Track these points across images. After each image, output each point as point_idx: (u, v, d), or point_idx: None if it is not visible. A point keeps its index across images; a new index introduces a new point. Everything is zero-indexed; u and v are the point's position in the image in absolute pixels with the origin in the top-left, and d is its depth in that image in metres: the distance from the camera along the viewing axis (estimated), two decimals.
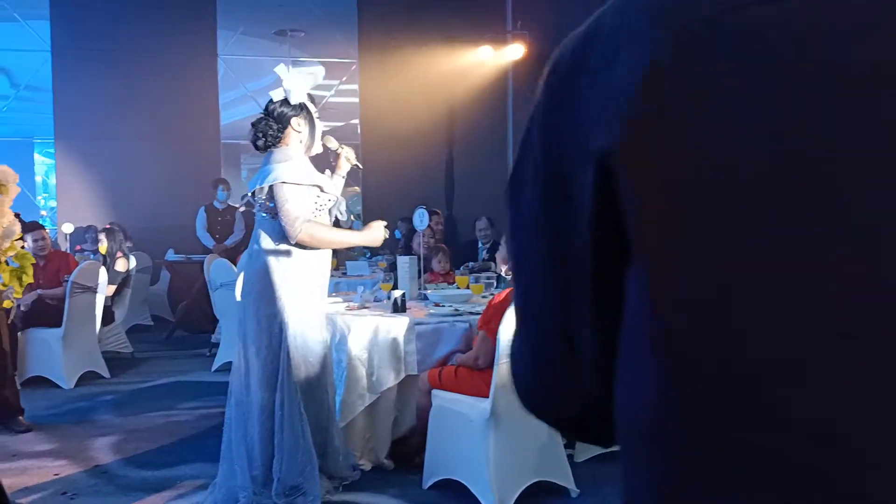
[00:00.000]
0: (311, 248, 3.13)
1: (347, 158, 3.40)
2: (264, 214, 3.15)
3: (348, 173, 3.44)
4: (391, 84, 9.13)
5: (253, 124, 3.20)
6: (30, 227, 5.61)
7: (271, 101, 3.20)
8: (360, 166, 3.55)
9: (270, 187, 3.08)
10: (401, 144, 8.89)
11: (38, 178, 15.79)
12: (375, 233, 3.38)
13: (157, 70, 9.06)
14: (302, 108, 3.20)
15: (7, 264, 2.83)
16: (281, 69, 3.20)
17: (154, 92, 9.06)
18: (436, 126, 9.06)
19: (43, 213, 12.31)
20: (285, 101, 3.18)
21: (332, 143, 3.39)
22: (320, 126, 3.28)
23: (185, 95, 9.19)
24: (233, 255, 7.36)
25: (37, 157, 15.57)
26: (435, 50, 9.01)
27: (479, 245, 6.91)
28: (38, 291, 5.58)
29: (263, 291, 3.10)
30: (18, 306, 5.27)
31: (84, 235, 8.58)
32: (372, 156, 8.87)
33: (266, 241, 3.12)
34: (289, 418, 3.05)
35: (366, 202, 9.53)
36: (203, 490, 3.36)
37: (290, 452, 3.04)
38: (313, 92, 3.30)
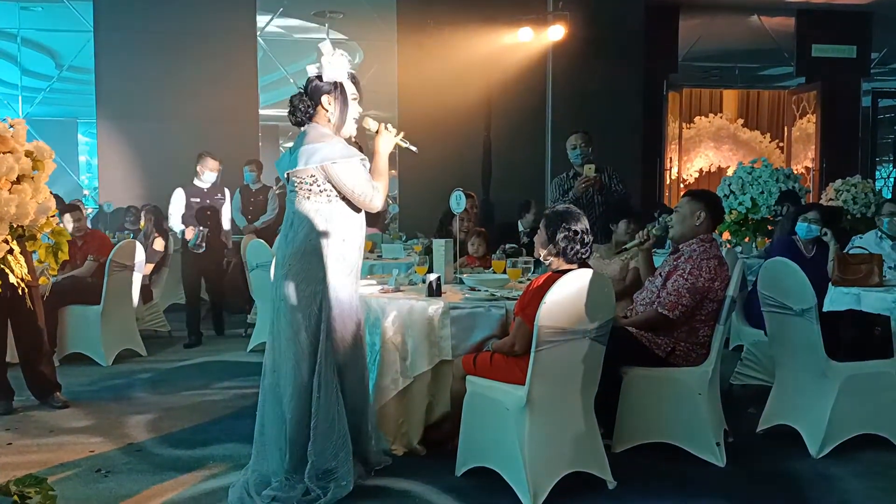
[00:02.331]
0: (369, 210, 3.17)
1: (399, 143, 3.31)
2: (305, 195, 3.08)
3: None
4: (429, 65, 9.03)
5: (291, 98, 3.19)
6: (68, 207, 5.66)
7: (309, 77, 3.17)
8: (414, 149, 3.41)
9: (318, 170, 3.04)
10: (438, 126, 8.79)
11: (83, 158, 16.06)
12: (385, 140, 3.27)
13: (197, 51, 9.11)
14: (336, 86, 3.14)
15: (42, 241, 2.82)
16: (325, 45, 3.16)
17: (194, 73, 9.11)
18: (474, 108, 8.94)
19: (85, 192, 12.49)
20: (319, 77, 3.14)
21: (371, 125, 3.30)
22: (354, 108, 3.20)
23: (224, 77, 9.22)
24: (266, 235, 7.37)
25: (80, 137, 15.83)
26: (474, 31, 8.87)
27: (521, 228, 6.81)
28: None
29: (302, 272, 3.05)
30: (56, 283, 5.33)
31: (124, 216, 8.69)
32: (408, 137, 8.78)
33: (305, 222, 3.07)
34: (325, 400, 3.01)
35: (402, 184, 9.47)
36: (236, 471, 3.35)
37: (324, 435, 3.00)
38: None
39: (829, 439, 3.55)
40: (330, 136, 3.12)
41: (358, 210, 3.16)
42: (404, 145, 3.36)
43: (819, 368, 3.57)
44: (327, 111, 3.15)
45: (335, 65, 3.13)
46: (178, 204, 6.58)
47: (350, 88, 3.18)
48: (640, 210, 5.20)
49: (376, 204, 3.13)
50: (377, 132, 3.28)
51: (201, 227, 6.35)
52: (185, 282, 6.61)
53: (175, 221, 6.58)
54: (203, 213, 6.48)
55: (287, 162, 3.14)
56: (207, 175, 6.67)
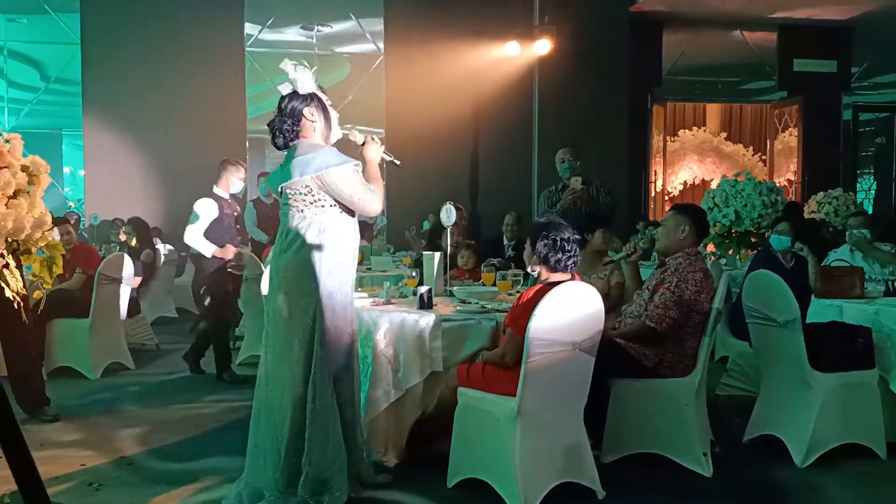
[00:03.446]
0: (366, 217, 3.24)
1: (384, 156, 3.36)
2: (298, 207, 3.10)
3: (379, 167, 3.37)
4: (417, 78, 9.10)
5: (269, 125, 3.19)
6: (55, 221, 5.64)
7: (282, 97, 3.19)
8: (398, 163, 3.44)
9: (313, 180, 3.06)
10: (426, 139, 8.86)
11: (66, 170, 16.01)
12: (374, 150, 3.31)
13: (185, 63, 9.12)
14: (312, 97, 3.18)
15: (37, 255, 2.84)
16: (286, 64, 3.19)
17: (182, 85, 9.12)
18: (461, 121, 9.02)
19: (71, 204, 12.45)
20: (294, 94, 3.17)
21: (358, 137, 3.33)
22: (335, 114, 3.26)
23: (212, 89, 9.25)
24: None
25: (65, 149, 15.78)
26: (461, 45, 8.96)
27: (505, 242, 6.87)
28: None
29: (296, 284, 3.07)
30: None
31: (110, 228, 8.66)
32: (396, 150, 8.79)
33: (299, 235, 3.08)
34: (320, 412, 3.03)
35: (389, 196, 9.51)
36: (228, 483, 3.35)
37: (319, 446, 3.02)
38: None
39: (814, 449, 3.61)
40: (321, 146, 3.15)
41: (352, 214, 3.19)
42: (389, 158, 3.41)
43: (803, 379, 3.63)
44: (312, 122, 3.19)
45: (304, 78, 3.17)
46: (209, 216, 5.47)
47: (324, 96, 3.23)
48: (615, 220, 5.24)
49: (375, 207, 3.17)
50: (364, 143, 3.33)
51: (245, 247, 5.36)
52: (216, 304, 5.64)
53: (197, 236, 5.44)
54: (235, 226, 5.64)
55: (279, 176, 3.16)
56: (237, 184, 5.67)
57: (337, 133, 3.27)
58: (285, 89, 3.18)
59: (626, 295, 4.41)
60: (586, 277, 4.62)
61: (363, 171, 3.23)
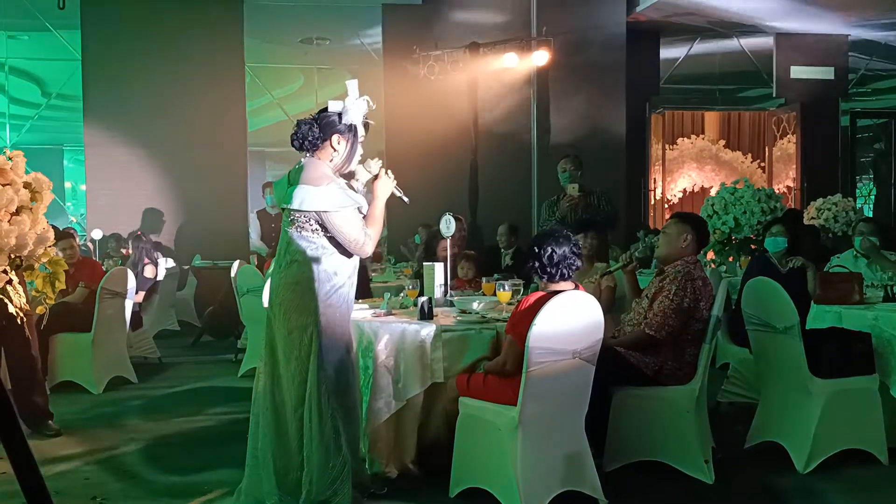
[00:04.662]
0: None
1: (394, 191, 3.34)
2: (298, 228, 3.10)
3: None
4: (415, 91, 9.13)
5: (298, 122, 3.17)
6: (59, 235, 5.68)
7: (326, 108, 3.18)
8: (406, 200, 3.44)
9: (313, 212, 3.07)
10: (425, 151, 8.89)
11: (68, 185, 16.07)
12: (384, 185, 3.29)
13: (185, 78, 9.16)
14: (350, 129, 3.18)
15: (40, 270, 2.87)
16: (352, 85, 3.17)
17: (182, 100, 9.16)
18: (460, 132, 9.04)
19: (73, 219, 12.49)
20: (339, 115, 3.15)
21: (374, 168, 3.32)
22: (360, 151, 3.24)
23: (212, 103, 9.27)
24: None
25: (66, 164, 15.84)
26: (459, 56, 8.99)
27: (502, 252, 6.90)
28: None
29: (295, 302, 3.08)
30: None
31: (108, 242, 8.66)
32: (396, 162, 8.85)
33: (298, 254, 3.10)
34: (318, 429, 3.03)
35: (389, 208, 9.52)
36: (231, 496, 3.35)
37: (320, 465, 3.02)
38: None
39: (815, 455, 3.62)
40: (327, 178, 3.10)
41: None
42: (398, 194, 3.41)
43: (803, 385, 3.64)
44: (335, 150, 3.17)
45: (357, 109, 3.16)
46: None
47: (361, 131, 3.22)
48: (604, 225, 5.23)
49: (367, 250, 3.16)
50: (377, 176, 3.30)
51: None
52: None
53: None
54: None
55: (284, 194, 3.16)
56: None
57: (349, 168, 3.25)
58: (335, 107, 3.16)
59: (624, 303, 4.44)
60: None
61: (369, 207, 3.22)
